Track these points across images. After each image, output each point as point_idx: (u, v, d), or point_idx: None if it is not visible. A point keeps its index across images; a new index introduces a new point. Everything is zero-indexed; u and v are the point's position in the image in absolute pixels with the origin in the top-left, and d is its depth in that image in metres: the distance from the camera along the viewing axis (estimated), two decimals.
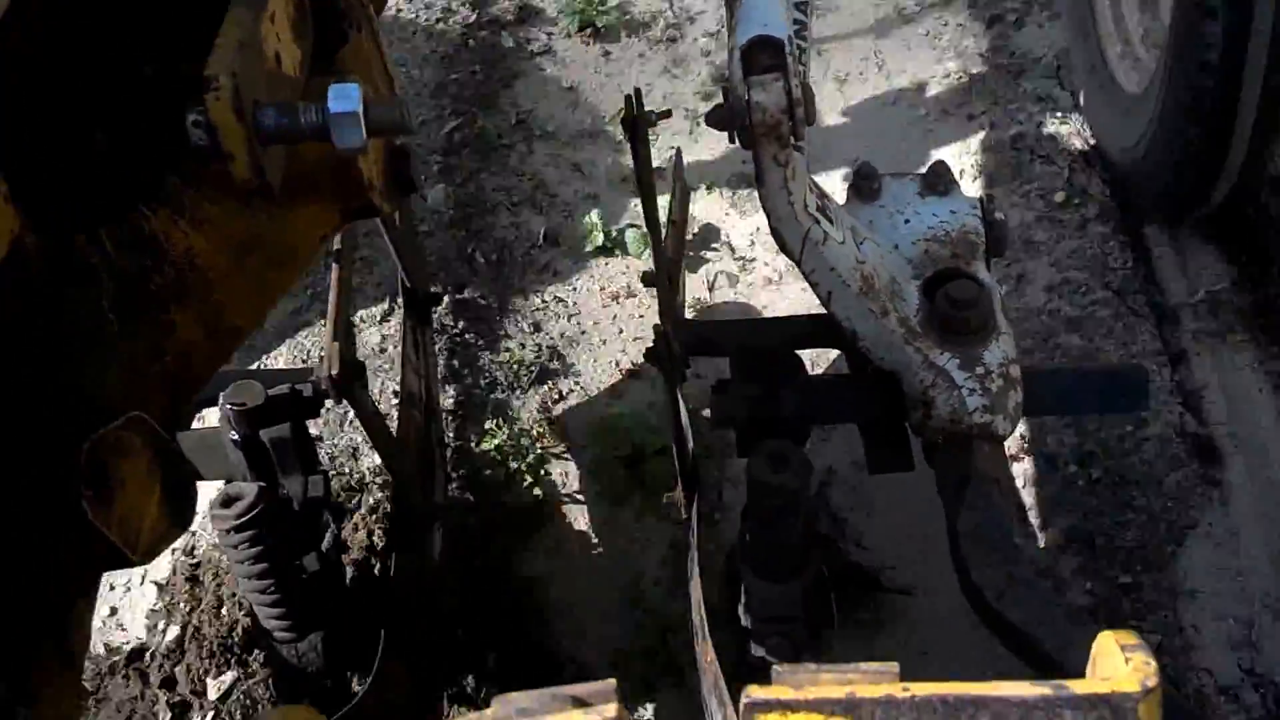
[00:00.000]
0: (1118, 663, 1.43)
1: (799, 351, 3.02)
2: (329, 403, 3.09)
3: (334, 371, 2.88)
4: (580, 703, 1.38)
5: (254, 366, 4.34)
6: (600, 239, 4.66)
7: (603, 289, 4.58)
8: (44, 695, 1.79)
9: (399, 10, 5.63)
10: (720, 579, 3.08)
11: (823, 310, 2.79)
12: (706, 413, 3.13)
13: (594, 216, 4.71)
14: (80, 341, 1.91)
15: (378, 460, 3.83)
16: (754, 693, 1.39)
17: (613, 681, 1.40)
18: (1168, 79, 3.94)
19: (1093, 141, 4.74)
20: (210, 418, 3.44)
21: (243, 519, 2.82)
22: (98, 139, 2.01)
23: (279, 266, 2.28)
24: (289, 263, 2.30)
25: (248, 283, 2.21)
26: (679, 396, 2.93)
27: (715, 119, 2.52)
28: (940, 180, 2.97)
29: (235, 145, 1.93)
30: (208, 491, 2.93)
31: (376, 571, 3.62)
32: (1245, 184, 4.05)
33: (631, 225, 4.71)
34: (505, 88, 5.32)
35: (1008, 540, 2.60)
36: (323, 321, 4.03)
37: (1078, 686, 1.38)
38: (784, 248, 2.66)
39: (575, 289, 4.59)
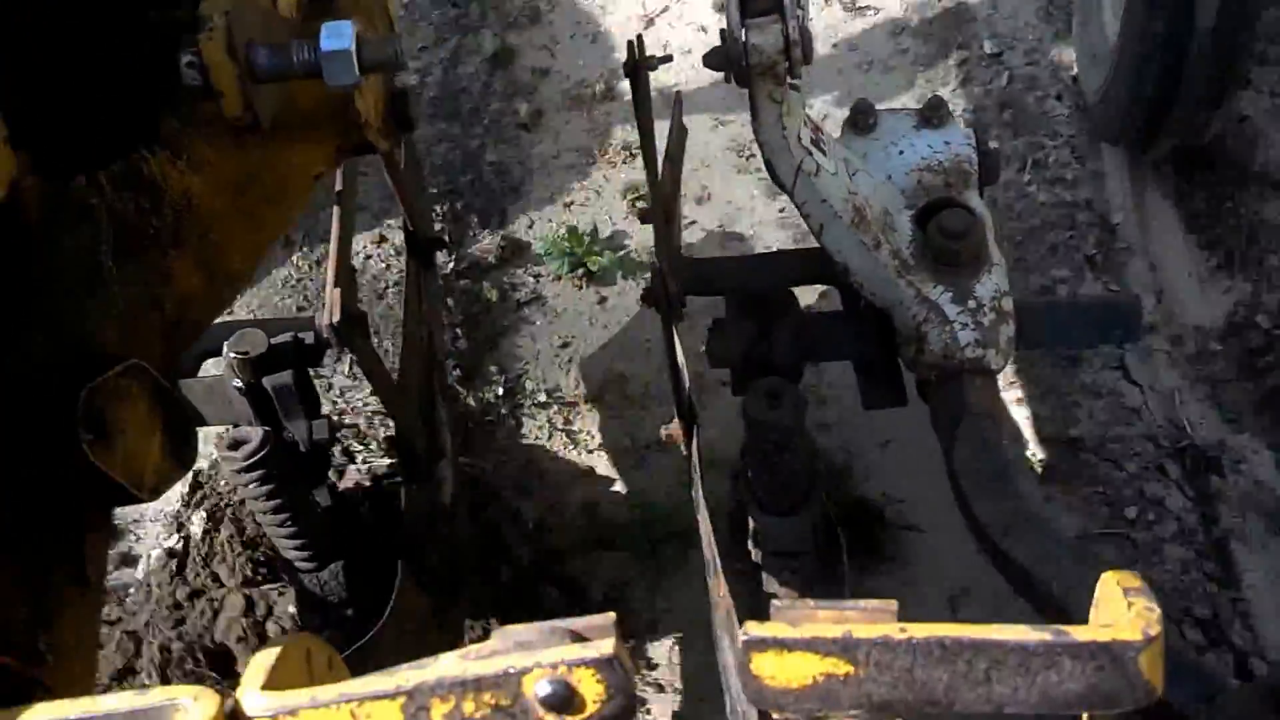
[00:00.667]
0: (1120, 607, 1.41)
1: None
2: None
3: (335, 319, 2.89)
4: (579, 637, 1.38)
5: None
6: (600, 525, 4.05)
7: (605, 593, 3.91)
8: (62, 620, 1.83)
9: (367, 257, 4.88)
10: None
11: (817, 245, 2.79)
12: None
13: (592, 498, 4.11)
14: (79, 286, 1.92)
15: None
16: (751, 629, 1.39)
17: (612, 615, 1.41)
18: (1125, 25, 4.18)
19: (1160, 430, 4.06)
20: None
21: (249, 461, 2.85)
22: (98, 83, 2.01)
23: (275, 204, 2.30)
24: (285, 200, 2.32)
25: (244, 222, 2.23)
26: (675, 335, 2.93)
27: (713, 60, 2.53)
28: (936, 113, 2.96)
29: (226, 83, 1.95)
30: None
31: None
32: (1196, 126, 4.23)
33: (635, 504, 4.09)
34: (491, 349, 4.61)
35: (1005, 475, 2.60)
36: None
37: (1078, 633, 1.36)
38: (776, 179, 2.67)
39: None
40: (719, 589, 2.50)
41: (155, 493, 1.96)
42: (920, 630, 1.35)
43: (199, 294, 2.16)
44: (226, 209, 2.20)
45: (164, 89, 2.04)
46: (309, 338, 3.01)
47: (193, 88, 1.96)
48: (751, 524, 2.90)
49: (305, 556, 3.11)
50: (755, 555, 2.92)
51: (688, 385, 2.93)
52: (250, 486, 2.91)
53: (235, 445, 2.88)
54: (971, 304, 2.70)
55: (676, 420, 3.18)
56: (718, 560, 2.53)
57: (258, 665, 1.46)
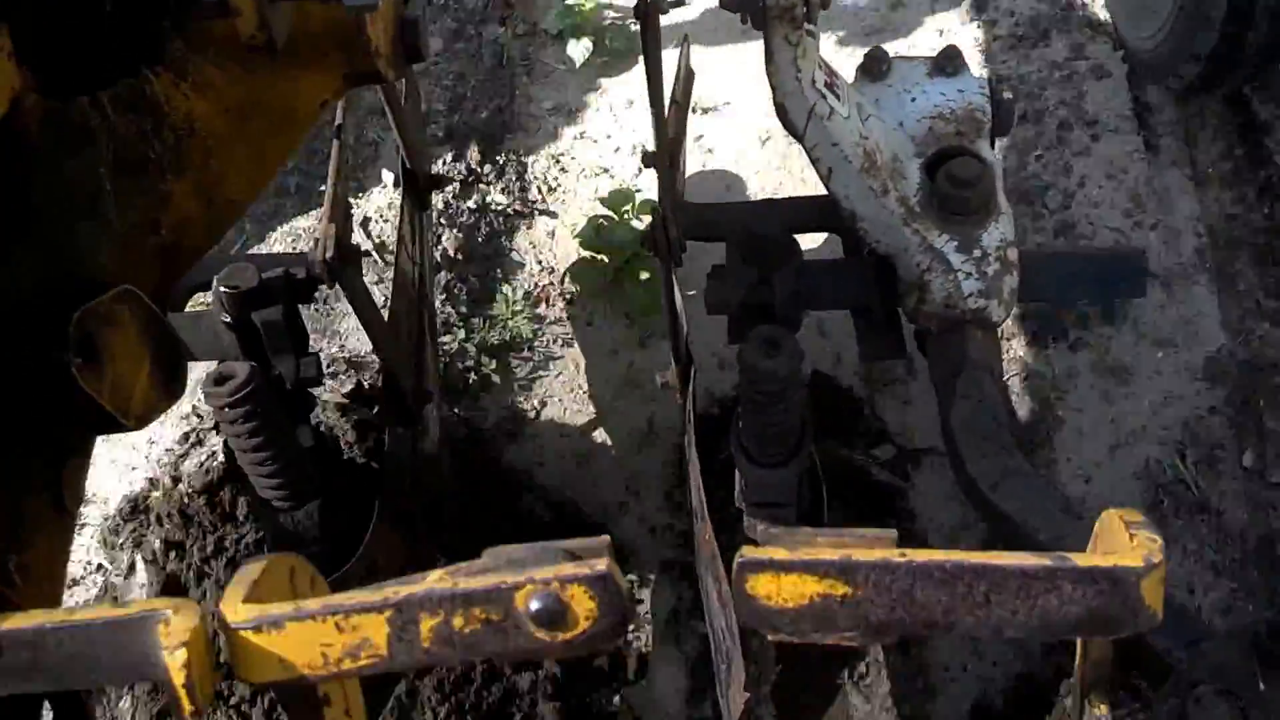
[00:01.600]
0: (1122, 539, 1.42)
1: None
2: None
3: (328, 255, 2.86)
4: (572, 556, 1.37)
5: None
6: None
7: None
8: (35, 543, 1.81)
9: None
10: None
11: (823, 192, 2.78)
12: None
13: None
14: (76, 208, 1.90)
15: None
16: (748, 553, 1.38)
17: (606, 537, 1.40)
18: None
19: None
20: None
21: (234, 397, 2.82)
22: (104, 1, 1.99)
23: (279, 132, 2.27)
24: (289, 128, 2.29)
25: (247, 149, 2.21)
26: (674, 280, 2.91)
27: (730, 1, 2.51)
28: (950, 62, 2.95)
29: (243, 0, 1.92)
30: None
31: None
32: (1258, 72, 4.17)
33: None
34: None
35: (1001, 430, 2.59)
36: None
37: (1080, 559, 1.36)
38: (787, 123, 2.66)
39: None
40: (705, 533, 2.49)
41: (141, 421, 1.95)
42: (920, 555, 1.35)
43: (197, 220, 2.15)
44: (230, 135, 2.18)
45: (172, 8, 2.02)
46: (301, 273, 2.98)
47: (208, 5, 1.94)
48: (738, 475, 2.90)
49: (282, 495, 3.08)
50: (739, 502, 2.91)
51: (685, 331, 2.92)
52: (234, 424, 2.88)
53: (221, 380, 2.85)
54: (976, 253, 2.70)
55: (673, 366, 3.17)
56: (705, 506, 2.52)
57: (240, 579, 1.45)
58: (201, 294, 3.16)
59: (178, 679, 1.35)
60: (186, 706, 1.37)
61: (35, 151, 1.82)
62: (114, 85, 1.96)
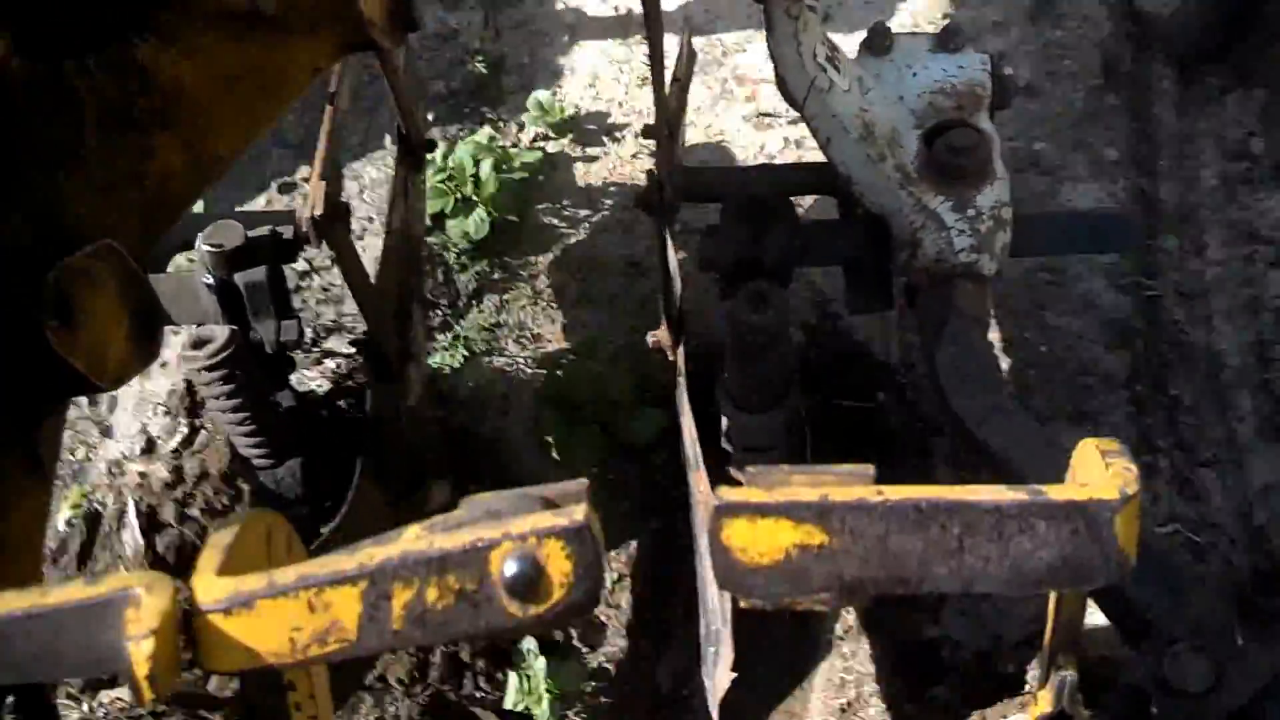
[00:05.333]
0: (1098, 470, 1.41)
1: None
2: None
3: (317, 212, 2.82)
4: (550, 504, 1.34)
5: None
6: None
7: None
8: (11, 507, 1.78)
9: None
10: None
11: (819, 159, 2.78)
12: None
13: None
14: (57, 160, 1.88)
15: None
16: (724, 494, 1.35)
17: (585, 481, 1.37)
18: None
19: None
20: None
21: (212, 361, 2.79)
22: None
23: (269, 96, 2.25)
24: (279, 93, 2.28)
25: (235, 111, 2.18)
26: (668, 239, 2.91)
27: None
28: (953, 38, 2.94)
29: None
30: None
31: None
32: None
33: None
34: None
35: (986, 373, 2.59)
36: None
37: (1054, 493, 1.35)
38: (787, 94, 2.67)
39: None
40: (699, 486, 2.47)
41: (116, 382, 1.92)
42: (896, 492, 1.34)
43: (181, 173, 2.11)
44: (219, 98, 2.15)
45: None
46: (287, 232, 2.94)
47: None
48: (724, 420, 2.90)
49: (263, 454, 3.07)
50: (725, 444, 2.92)
51: (679, 292, 2.91)
52: (211, 386, 2.85)
53: (199, 344, 2.81)
54: (970, 212, 2.70)
55: (664, 326, 3.16)
56: (700, 457, 2.50)
57: (215, 546, 1.42)
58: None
59: (140, 670, 1.31)
60: (146, 697, 1.32)
61: (17, 112, 1.79)
62: (100, 51, 1.93)
